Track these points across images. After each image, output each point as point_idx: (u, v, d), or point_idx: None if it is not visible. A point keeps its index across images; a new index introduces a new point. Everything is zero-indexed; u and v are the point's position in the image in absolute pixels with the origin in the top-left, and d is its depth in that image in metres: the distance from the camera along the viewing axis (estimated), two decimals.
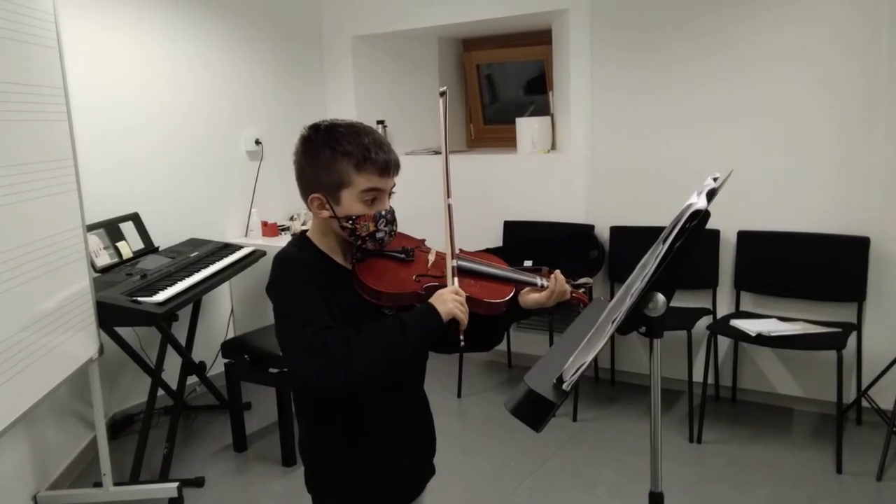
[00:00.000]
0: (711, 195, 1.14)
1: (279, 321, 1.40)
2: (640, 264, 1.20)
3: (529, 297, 1.50)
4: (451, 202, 1.48)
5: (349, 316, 1.41)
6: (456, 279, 1.42)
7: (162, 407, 3.59)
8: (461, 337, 1.38)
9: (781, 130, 3.36)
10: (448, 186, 1.49)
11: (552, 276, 1.49)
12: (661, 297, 1.16)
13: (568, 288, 1.50)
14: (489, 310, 1.47)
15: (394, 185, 1.47)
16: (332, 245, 1.48)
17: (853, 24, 3.13)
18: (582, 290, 1.55)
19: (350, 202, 1.41)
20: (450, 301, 1.36)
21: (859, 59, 3.14)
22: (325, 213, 1.43)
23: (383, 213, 1.44)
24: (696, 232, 1.11)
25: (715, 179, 1.23)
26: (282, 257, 1.45)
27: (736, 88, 3.42)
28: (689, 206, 1.09)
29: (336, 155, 1.39)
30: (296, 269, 1.42)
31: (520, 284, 1.51)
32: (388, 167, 1.42)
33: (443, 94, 1.52)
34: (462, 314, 1.37)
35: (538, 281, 1.50)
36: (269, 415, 3.55)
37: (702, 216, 1.09)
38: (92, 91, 3.41)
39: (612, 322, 1.15)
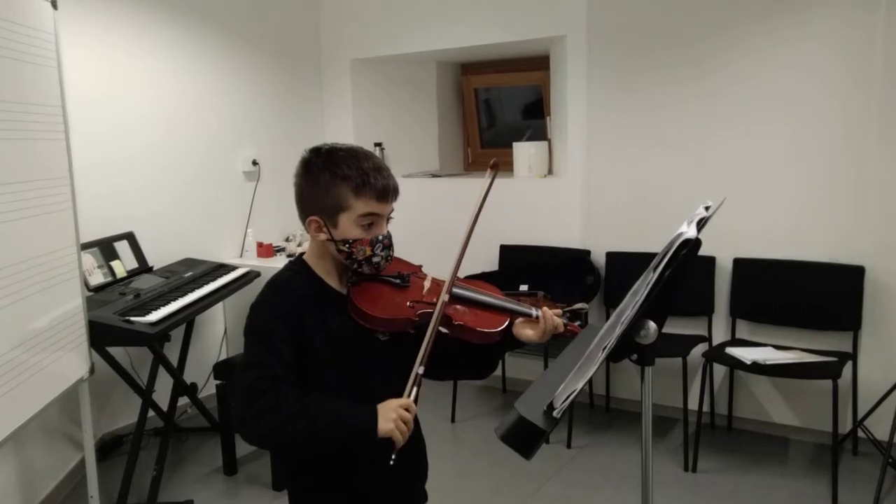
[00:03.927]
0: (702, 224, 1.14)
1: (244, 346, 1.42)
2: (631, 291, 1.20)
3: (523, 333, 1.49)
4: (448, 298, 1.45)
5: (340, 341, 1.41)
6: (416, 389, 1.38)
7: (152, 428, 3.56)
8: (392, 457, 1.34)
9: (777, 159, 3.38)
10: (452, 279, 1.46)
11: (541, 312, 1.48)
12: (652, 325, 1.16)
13: (561, 322, 1.49)
14: (483, 339, 1.47)
15: (392, 211, 1.47)
16: (328, 268, 1.48)
17: (847, 55, 3.17)
18: (577, 323, 1.54)
19: (347, 226, 1.41)
20: (392, 421, 1.33)
21: (853, 89, 3.17)
22: (323, 236, 1.44)
23: (380, 237, 1.44)
24: (686, 261, 1.11)
25: (707, 208, 1.24)
26: (273, 283, 1.45)
27: (733, 116, 3.45)
28: (680, 234, 1.09)
29: (335, 179, 1.40)
30: (280, 301, 1.42)
31: (514, 315, 1.51)
32: (387, 192, 1.42)
33: (493, 166, 1.50)
34: (401, 436, 1.34)
35: (533, 312, 1.50)
36: None
37: (692, 245, 1.09)
38: (91, 112, 3.42)
39: (603, 349, 1.15)
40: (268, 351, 1.36)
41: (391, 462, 1.34)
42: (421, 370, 1.39)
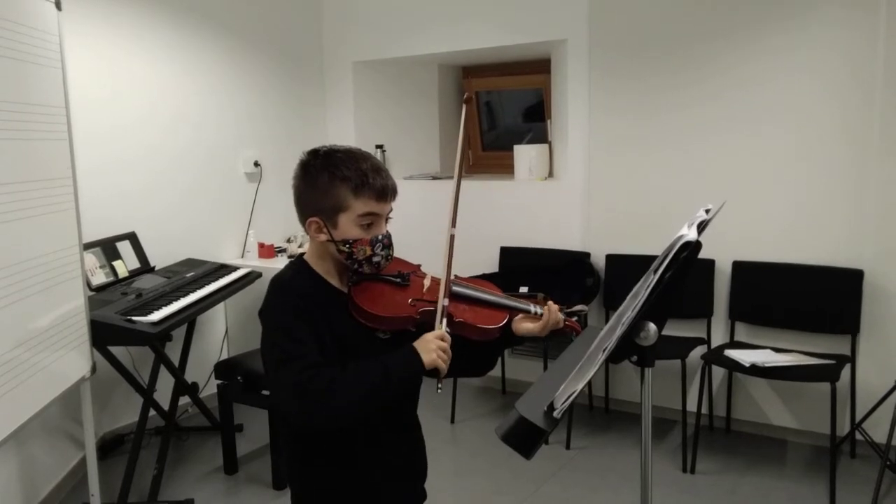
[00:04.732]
0: (702, 227, 1.15)
1: (268, 349, 1.42)
2: (631, 293, 1.21)
3: (523, 326, 1.51)
4: (455, 232, 1.48)
5: (342, 339, 1.42)
6: (445, 320, 1.42)
7: (153, 427, 3.56)
8: (439, 385, 1.40)
9: (777, 162, 3.39)
10: (455, 216, 1.49)
11: (546, 306, 1.50)
12: (652, 327, 1.17)
13: (561, 317, 1.51)
14: (482, 335, 1.48)
15: (391, 210, 1.48)
16: (328, 268, 1.49)
17: (848, 58, 3.18)
18: (575, 319, 1.56)
19: (347, 226, 1.42)
20: (433, 351, 1.38)
21: (854, 94, 3.18)
22: (323, 237, 1.45)
23: (380, 237, 1.45)
24: (686, 263, 1.12)
25: (707, 211, 1.25)
26: (276, 283, 1.46)
27: (733, 119, 3.46)
28: (680, 237, 1.10)
29: (334, 180, 1.41)
30: (288, 298, 1.43)
31: (513, 311, 1.52)
32: (386, 192, 1.44)
33: (467, 100, 1.55)
34: (444, 364, 1.38)
35: (532, 308, 1.51)
36: (260, 437, 3.53)
37: (692, 247, 1.10)
38: (92, 112, 3.43)
39: (604, 351, 1.16)
40: (294, 342, 1.37)
41: (438, 390, 1.40)
42: (446, 302, 1.43)
